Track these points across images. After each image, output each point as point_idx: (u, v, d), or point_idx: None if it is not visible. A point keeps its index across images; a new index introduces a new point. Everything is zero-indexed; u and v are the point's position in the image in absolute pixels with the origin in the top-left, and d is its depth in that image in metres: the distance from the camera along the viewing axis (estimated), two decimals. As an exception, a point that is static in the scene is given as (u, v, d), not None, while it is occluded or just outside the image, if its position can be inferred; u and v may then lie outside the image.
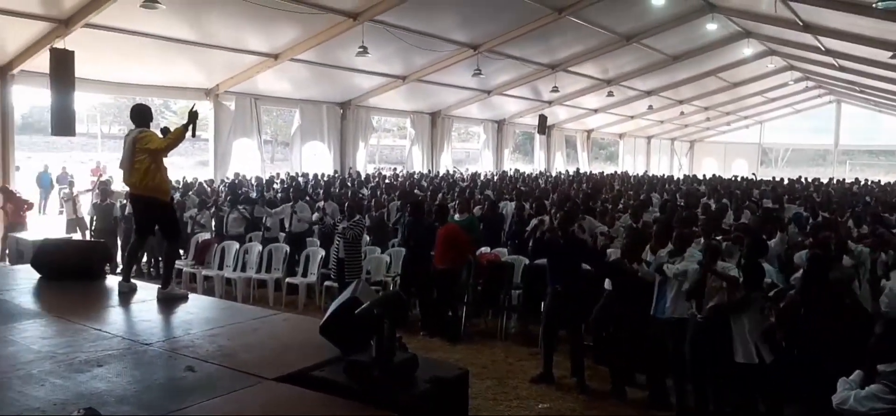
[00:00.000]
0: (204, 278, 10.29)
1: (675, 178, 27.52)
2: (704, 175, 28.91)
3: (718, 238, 8.10)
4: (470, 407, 4.51)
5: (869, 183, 25.07)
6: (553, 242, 7.35)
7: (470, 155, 40.82)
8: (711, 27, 18.34)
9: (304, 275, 10.09)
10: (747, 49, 21.83)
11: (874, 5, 11.11)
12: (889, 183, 26.49)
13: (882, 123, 35.46)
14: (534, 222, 10.07)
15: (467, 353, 7.80)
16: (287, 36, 14.65)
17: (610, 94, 24.86)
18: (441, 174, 21.81)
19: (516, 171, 26.26)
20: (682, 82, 26.16)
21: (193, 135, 5.89)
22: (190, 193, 13.06)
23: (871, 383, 3.61)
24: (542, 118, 25.87)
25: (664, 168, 38.51)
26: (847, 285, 5.93)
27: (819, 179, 26.77)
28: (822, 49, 19.76)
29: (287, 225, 11.43)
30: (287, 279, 10.05)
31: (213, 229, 11.27)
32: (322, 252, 10.09)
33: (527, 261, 9.02)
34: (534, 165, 30.73)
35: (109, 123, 45.45)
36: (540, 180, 21.42)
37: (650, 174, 30.53)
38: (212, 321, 5.11)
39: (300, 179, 16.80)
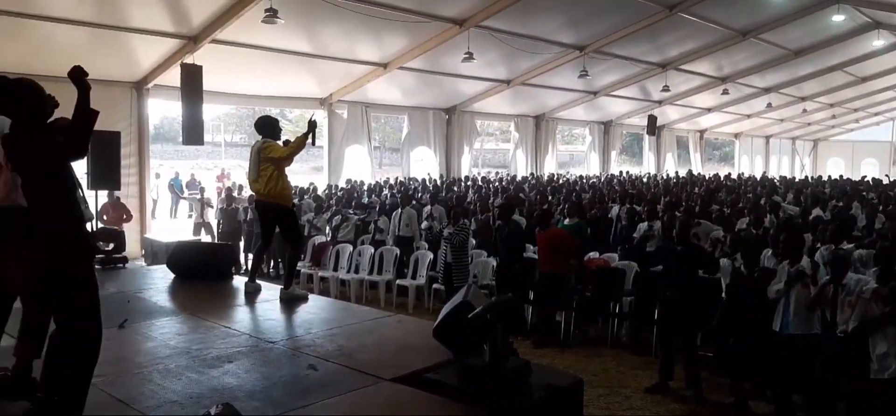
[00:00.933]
0: (320, 278, 10.71)
1: (798, 179, 25.86)
2: (830, 176, 26.98)
3: (849, 246, 7.57)
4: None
5: None
6: (668, 248, 7.11)
7: (574, 157, 40.22)
8: (837, 19, 17.08)
9: (414, 277, 10.29)
10: (878, 41, 20.12)
11: None
12: None
13: None
14: (643, 226, 9.79)
15: (576, 360, 7.67)
16: (396, 45, 15.03)
17: (725, 92, 23.70)
18: (545, 178, 21.62)
19: (623, 173, 25.57)
20: (804, 78, 24.52)
21: (313, 143, 6.18)
22: (306, 197, 13.63)
23: None
24: (652, 119, 25.07)
25: (784, 169, 36.24)
26: None
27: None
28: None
29: (396, 228, 11.71)
30: (397, 281, 10.29)
31: (329, 232, 11.71)
32: (430, 255, 10.26)
33: (638, 267, 8.78)
34: (642, 167, 29.81)
35: (232, 131, 48.37)
36: (644, 182, 20.76)
37: (769, 176, 28.88)
38: (331, 322, 5.33)
39: (410, 183, 17.16)
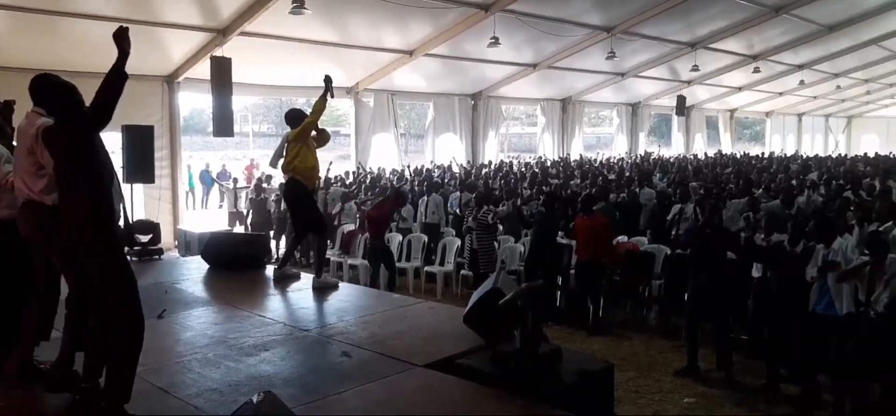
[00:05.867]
0: (349, 266, 10.84)
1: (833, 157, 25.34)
2: (865, 153, 26.36)
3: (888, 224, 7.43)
4: (613, 399, 4.47)
5: None
6: (698, 231, 7.07)
7: (601, 140, 39.80)
8: (873, -9, 16.68)
9: (441, 264, 10.36)
10: (916, 13, 19.61)
11: None
12: None
13: None
14: (675, 208, 9.71)
15: (606, 344, 7.68)
16: (421, 32, 15.03)
17: (756, 70, 23.26)
18: (568, 161, 21.48)
19: (648, 155, 25.21)
20: (838, 54, 23.95)
21: (331, 96, 6.36)
22: (332, 187, 13.76)
23: None
24: (681, 99, 24.72)
25: (818, 148, 35.48)
26: None
27: None
28: None
29: (423, 215, 11.76)
30: (425, 268, 10.37)
31: (358, 220, 11.82)
32: (458, 242, 10.32)
33: (668, 250, 8.72)
34: (671, 148, 29.44)
35: (259, 121, 48.86)
36: (654, 162, 20.49)
37: (802, 154, 28.33)
38: (362, 309, 5.42)
39: (436, 170, 17.19)
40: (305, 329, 4.88)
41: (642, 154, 25.04)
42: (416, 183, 14.58)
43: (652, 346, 7.64)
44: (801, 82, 26.98)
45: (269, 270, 6.98)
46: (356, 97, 17.71)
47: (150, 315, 4.52)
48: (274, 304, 5.84)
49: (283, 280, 6.44)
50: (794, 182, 12.88)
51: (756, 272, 6.89)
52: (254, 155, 32.73)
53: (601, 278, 8.34)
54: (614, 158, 23.94)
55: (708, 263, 6.65)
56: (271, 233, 12.33)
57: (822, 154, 29.49)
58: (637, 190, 12.17)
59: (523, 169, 18.40)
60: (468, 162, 19.95)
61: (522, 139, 46.01)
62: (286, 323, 5.06)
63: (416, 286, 10.22)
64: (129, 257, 4.04)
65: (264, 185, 13.71)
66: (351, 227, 11.60)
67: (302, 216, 6.59)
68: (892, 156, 24.04)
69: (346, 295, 5.99)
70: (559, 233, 9.22)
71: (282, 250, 11.23)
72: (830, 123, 38.07)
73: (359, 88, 17.48)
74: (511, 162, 21.02)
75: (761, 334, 6.80)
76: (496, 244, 9.70)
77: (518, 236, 10.15)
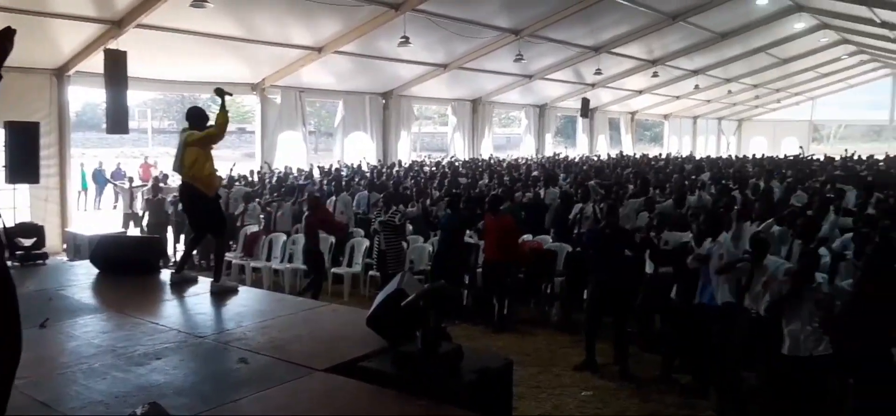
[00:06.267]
0: (252, 269, 10.55)
1: (722, 159, 26.90)
2: (753, 155, 28.20)
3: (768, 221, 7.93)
4: (514, 395, 4.57)
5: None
6: (598, 231, 7.34)
7: (511, 140, 40.65)
8: (761, 2, 17.88)
9: (350, 265, 10.26)
10: (799, 24, 21.14)
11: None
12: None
13: (943, 97, 34.03)
14: (577, 208, 10.02)
15: (511, 341, 7.85)
16: (330, 28, 14.83)
17: (655, 74, 24.45)
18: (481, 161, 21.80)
19: (557, 155, 25.99)
20: (730, 60, 25.53)
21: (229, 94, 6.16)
22: (236, 185, 13.35)
23: None
24: (585, 101, 25.59)
25: (711, 149, 37.63)
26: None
27: (873, 155, 25.85)
28: (878, 21, 18.98)
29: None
30: (332, 270, 10.23)
31: (262, 221, 11.52)
32: (366, 242, 10.25)
33: (570, 248, 9.01)
34: (576, 149, 30.43)
35: (159, 117, 46.77)
36: (558, 163, 21.19)
37: (697, 155, 29.95)
38: (263, 313, 5.27)
39: (343, 170, 17.01)
40: (201, 336, 4.70)
41: (549, 155, 25.74)
42: (325, 183, 14.37)
43: (553, 342, 7.87)
44: (696, 87, 28.57)
45: (165, 274, 6.68)
46: (262, 94, 17.25)
47: (31, 325, 4.24)
48: (168, 310, 5.59)
49: (180, 285, 6.18)
50: (686, 182, 13.56)
51: (648, 268, 7.23)
52: (153, 152, 31.32)
53: (507, 277, 8.52)
54: (522, 158, 24.48)
55: (607, 261, 6.92)
56: (169, 235, 11.82)
57: (714, 155, 31.26)
58: (542, 190, 12.49)
59: (434, 169, 18.50)
60: (379, 161, 19.87)
61: (435, 139, 46.27)
62: (181, 330, 4.85)
63: (323, 289, 10.06)
64: (8, 263, 3.75)
65: (162, 184, 13.12)
66: (254, 228, 11.29)
67: (200, 217, 6.34)
68: (776, 157, 25.79)
69: (246, 299, 5.81)
70: (467, 232, 9.35)
71: (180, 253, 10.79)
72: (723, 125, 40.46)
73: (265, 84, 17.05)
74: (422, 162, 21.10)
75: (651, 326, 7.16)
76: (405, 245, 9.71)
77: (427, 236, 10.20)
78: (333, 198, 11.79)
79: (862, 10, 17.87)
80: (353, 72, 18.16)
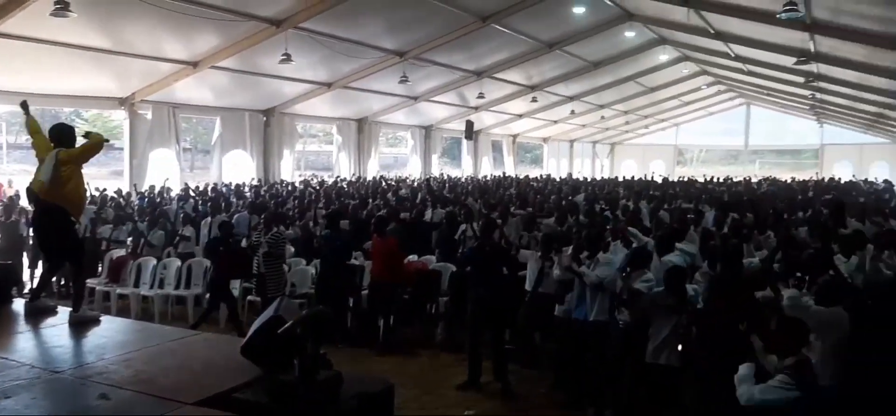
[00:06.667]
0: (118, 296, 9.87)
1: (594, 180, 28.33)
2: (624, 177, 29.90)
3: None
4: (396, 417, 4.54)
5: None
6: (478, 249, 7.47)
7: (398, 160, 40.78)
8: (629, 34, 19.03)
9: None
10: (663, 55, 22.78)
11: (778, 16, 11.81)
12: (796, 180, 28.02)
13: (788, 124, 37.57)
14: (462, 228, 10.17)
15: (395, 363, 7.81)
16: (207, 43, 14.28)
17: (534, 99, 25.37)
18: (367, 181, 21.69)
19: (444, 175, 26.41)
20: (602, 87, 26.96)
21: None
22: (107, 207, 12.48)
23: (764, 375, 3.86)
24: (469, 124, 26.15)
25: (587, 170, 39.55)
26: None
27: (730, 177, 28.15)
28: (732, 55, 20.82)
29: (206, 239, 11.09)
30: (208, 295, 9.79)
31: (131, 245, 10.82)
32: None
33: (454, 268, 9.12)
34: (462, 170, 31.01)
35: (16, 133, 42.94)
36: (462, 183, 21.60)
37: (575, 176, 31.37)
38: (127, 345, 4.93)
39: (223, 189, 16.36)
40: (57, 371, 4.32)
41: (435, 176, 26.06)
42: (200, 203, 13.74)
43: (437, 362, 7.92)
44: (572, 112, 29.98)
45: (19, 303, 6.10)
46: (131, 109, 16.28)
47: None
48: (21, 343, 5.09)
49: (36, 315, 5.65)
50: (564, 202, 14.14)
51: (528, 286, 7.46)
52: (8, 170, 28.76)
53: (392, 298, 8.49)
54: (410, 178, 24.62)
55: (486, 278, 7.06)
56: (24, 260, 10.83)
57: (589, 177, 32.88)
58: (430, 211, 12.59)
59: (318, 188, 18.19)
60: (259, 180, 19.28)
61: (320, 158, 45.50)
62: (35, 365, 4.43)
63: (197, 316, 9.59)
64: None
65: (17, 204, 12.02)
66: (121, 252, 10.58)
67: (59, 242, 5.84)
68: (644, 179, 27.48)
69: (109, 330, 5.40)
70: (353, 254, 9.26)
71: (36, 280, 9.91)
72: (597, 148, 42.67)
73: (135, 99, 16.11)
74: (305, 181, 20.69)
75: (532, 343, 7.39)
76: (286, 267, 9.44)
77: (310, 258, 9.97)
78: (209, 219, 11.25)
79: (719, 45, 19.51)
80: (231, 88, 17.57)
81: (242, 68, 16.11)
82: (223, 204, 13.23)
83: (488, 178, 27.13)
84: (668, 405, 5.31)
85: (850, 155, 35.43)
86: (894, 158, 33.19)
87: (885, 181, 25.95)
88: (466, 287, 7.93)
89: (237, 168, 19.38)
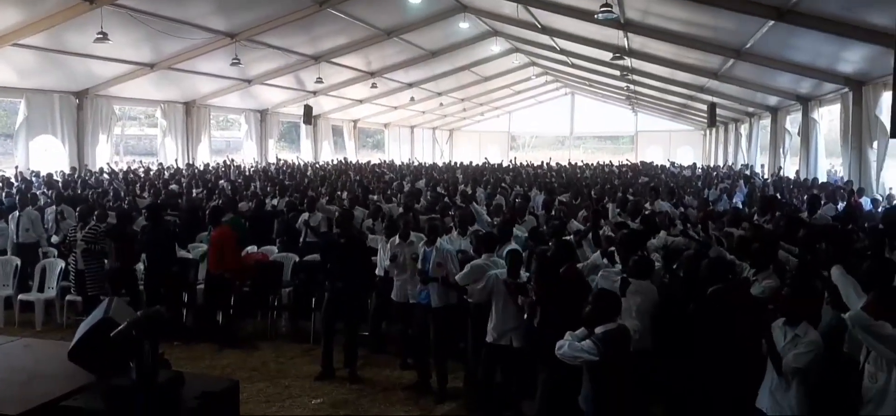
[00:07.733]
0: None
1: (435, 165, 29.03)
2: (461, 162, 30.87)
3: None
4: (242, 413, 4.43)
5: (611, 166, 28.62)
6: (333, 240, 7.43)
7: (231, 144, 38.95)
8: (464, 26, 19.65)
9: (41, 290, 8.96)
10: (495, 47, 23.80)
11: (596, 16, 12.87)
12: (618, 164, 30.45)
13: (608, 113, 40.89)
14: (303, 217, 9.98)
15: (237, 358, 7.59)
16: (8, 19, 12.76)
17: (374, 85, 25.42)
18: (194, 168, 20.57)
19: (279, 160, 25.64)
20: (440, 76, 27.66)
21: None
22: None
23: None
24: (308, 108, 25.63)
25: (427, 155, 40.36)
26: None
27: (558, 161, 30.05)
28: (558, 48, 22.28)
29: (14, 234, 9.98)
30: (19, 296, 8.85)
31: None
32: (61, 264, 9.03)
33: (296, 258, 8.99)
34: (301, 154, 30.31)
35: None
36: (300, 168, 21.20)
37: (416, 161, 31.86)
38: (-75, 359, 4.37)
39: (32, 179, 14.76)
40: None
41: (275, 162, 25.29)
42: (5, 194, 12.32)
43: (282, 353, 7.78)
44: (412, 99, 30.44)
45: None
46: (-89, 89, 14.19)
47: None
48: None
49: None
50: (406, 188, 14.39)
51: (379, 272, 7.58)
52: None
53: (229, 290, 8.20)
54: (248, 166, 23.68)
55: (342, 269, 7.04)
56: None
57: (429, 162, 33.58)
58: (273, 200, 12.23)
59: (142, 174, 16.98)
60: (72, 169, 17.61)
61: (141, 142, 42.24)
62: None
63: (8, 319, 8.67)
64: None
65: None
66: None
67: None
68: (480, 164, 28.50)
69: None
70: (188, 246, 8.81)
71: None
72: (437, 134, 43.68)
73: (-84, 77, 14.06)
74: (129, 167, 19.20)
75: (380, 328, 7.54)
76: (106, 263, 8.73)
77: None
78: (17, 212, 10.10)
79: (545, 39, 20.77)
80: (38, 68, 15.86)
81: (51, 47, 14.61)
82: (30, 196, 11.95)
83: (330, 164, 26.78)
84: (524, 387, 5.65)
85: (660, 141, 39.29)
86: (698, 143, 37.31)
87: (693, 164, 29.08)
88: (311, 277, 7.90)
89: (47, 154, 17.54)
